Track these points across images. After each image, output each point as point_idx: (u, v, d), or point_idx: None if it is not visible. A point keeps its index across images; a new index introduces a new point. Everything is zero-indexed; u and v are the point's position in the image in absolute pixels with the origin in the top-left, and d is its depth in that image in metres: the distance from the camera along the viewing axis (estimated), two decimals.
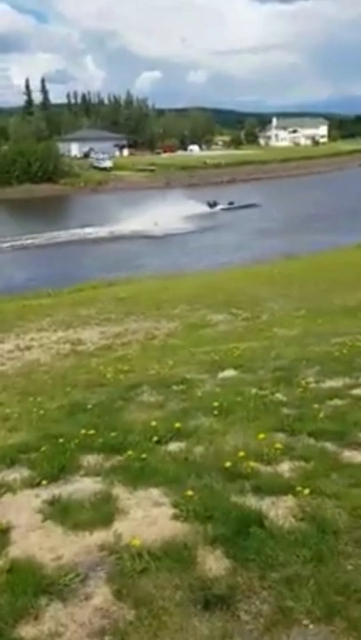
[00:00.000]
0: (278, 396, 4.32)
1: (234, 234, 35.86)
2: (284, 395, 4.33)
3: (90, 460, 3.23)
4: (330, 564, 2.27)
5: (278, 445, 3.00)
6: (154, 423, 3.55)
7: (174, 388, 5.34)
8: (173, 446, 3.30)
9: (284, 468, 2.85)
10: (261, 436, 3.05)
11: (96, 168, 72.41)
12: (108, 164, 73.34)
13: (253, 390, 4.66)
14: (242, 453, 2.84)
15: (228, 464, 2.77)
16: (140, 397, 5.08)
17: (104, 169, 71.72)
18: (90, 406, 4.65)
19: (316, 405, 3.83)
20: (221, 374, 5.84)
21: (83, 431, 3.62)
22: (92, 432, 3.56)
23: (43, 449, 3.44)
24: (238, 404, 4.08)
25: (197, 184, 71.25)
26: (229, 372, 5.87)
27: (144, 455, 3.05)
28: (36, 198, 57.77)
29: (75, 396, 5.44)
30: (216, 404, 4.09)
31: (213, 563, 2.27)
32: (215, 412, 3.92)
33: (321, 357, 6.01)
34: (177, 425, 3.52)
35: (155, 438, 3.36)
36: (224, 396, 4.47)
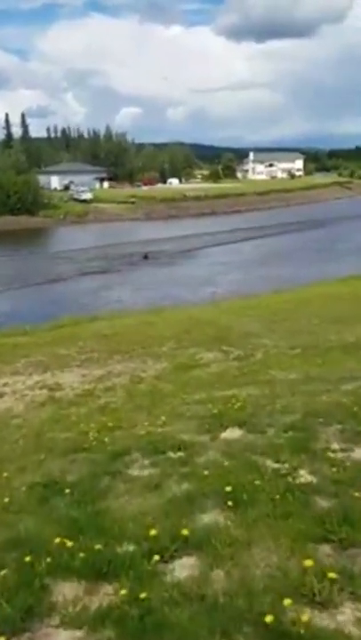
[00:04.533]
0: (303, 474, 3.50)
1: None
2: (311, 472, 3.51)
3: (67, 594, 2.33)
4: None
5: (332, 575, 2.16)
6: (153, 531, 2.66)
7: (171, 454, 4.48)
8: (182, 569, 2.43)
9: (347, 616, 2.01)
10: (309, 562, 2.20)
11: (76, 200, 72.44)
12: (89, 196, 73.48)
13: (269, 463, 3.82)
14: (288, 601, 1.97)
15: (268, 618, 1.90)
16: (130, 470, 4.19)
17: (84, 201, 71.79)
18: (68, 488, 3.74)
19: (357, 494, 3.01)
20: (224, 434, 5.00)
21: (57, 540, 2.72)
22: (69, 544, 2.66)
23: (3, 573, 2.52)
24: (256, 488, 3.24)
25: (177, 216, 71.77)
26: (234, 432, 5.03)
27: (143, 594, 2.16)
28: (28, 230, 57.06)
29: (50, 468, 4.52)
30: (228, 488, 3.24)
31: None
32: (229, 503, 3.07)
33: (336, 411, 5.24)
34: (184, 532, 2.65)
35: (155, 556, 2.48)
36: (235, 472, 3.63)
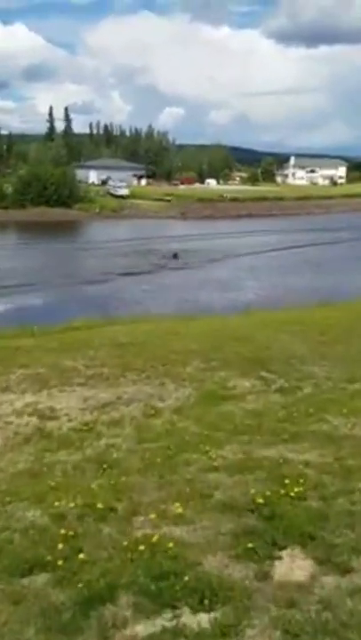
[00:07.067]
0: None
1: None
2: None
3: None
4: None
5: None
6: None
7: (185, 618, 2.45)
8: None
9: None
10: None
11: (113, 195, 71.38)
12: (125, 192, 72.30)
13: None
14: None
15: None
16: None
17: (120, 197, 70.63)
18: None
19: None
20: (280, 568, 2.92)
21: None
22: None
23: None
24: None
25: (213, 216, 69.54)
26: (296, 564, 2.95)
27: None
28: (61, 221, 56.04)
29: None
30: None
31: None
32: None
33: None
34: None
35: None
36: None
